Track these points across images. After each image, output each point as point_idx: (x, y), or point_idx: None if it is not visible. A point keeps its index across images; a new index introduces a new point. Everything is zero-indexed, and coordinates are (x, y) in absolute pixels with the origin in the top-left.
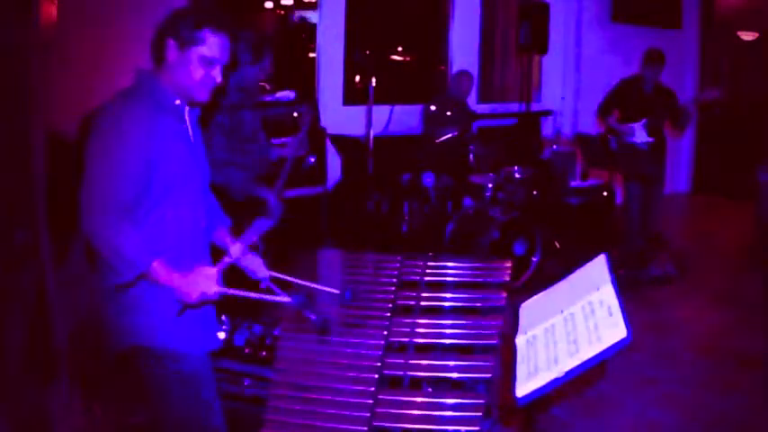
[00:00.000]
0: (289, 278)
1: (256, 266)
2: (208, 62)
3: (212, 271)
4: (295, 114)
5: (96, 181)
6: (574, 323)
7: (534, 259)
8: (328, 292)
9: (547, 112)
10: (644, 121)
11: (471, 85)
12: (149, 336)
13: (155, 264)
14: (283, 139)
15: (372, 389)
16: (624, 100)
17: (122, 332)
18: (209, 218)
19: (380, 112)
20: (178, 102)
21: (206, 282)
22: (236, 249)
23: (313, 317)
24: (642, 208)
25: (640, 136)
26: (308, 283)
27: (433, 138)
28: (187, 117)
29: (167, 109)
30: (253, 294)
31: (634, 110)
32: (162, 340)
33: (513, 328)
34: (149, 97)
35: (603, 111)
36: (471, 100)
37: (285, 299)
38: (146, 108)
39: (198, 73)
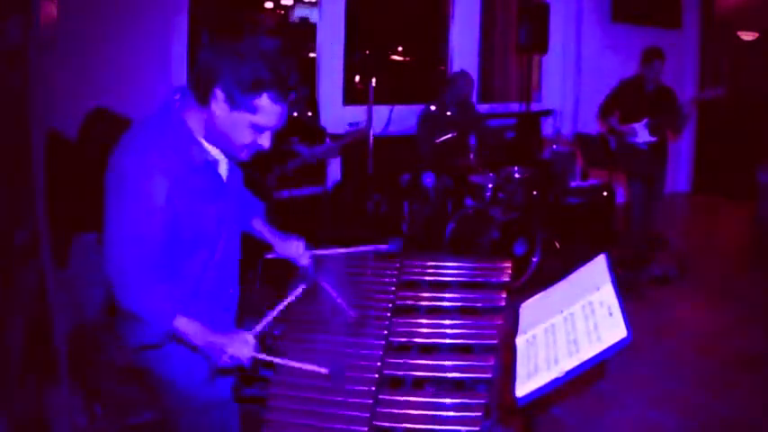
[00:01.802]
0: (329, 252)
1: (297, 253)
2: (259, 129)
3: (249, 336)
4: (348, 126)
5: (118, 244)
6: (574, 323)
7: (534, 259)
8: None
9: (547, 112)
10: (645, 120)
11: (471, 86)
12: (161, 367)
13: (180, 321)
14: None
15: (372, 389)
16: (625, 100)
17: (137, 357)
18: (243, 212)
19: (380, 112)
20: (211, 159)
21: (241, 346)
22: (262, 325)
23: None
24: (644, 208)
25: (642, 136)
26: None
27: (429, 140)
28: (224, 164)
29: (197, 167)
30: (291, 363)
31: (635, 110)
32: (173, 375)
33: (513, 328)
34: (177, 149)
35: (604, 111)
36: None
37: (322, 370)
38: (171, 164)
39: (245, 138)
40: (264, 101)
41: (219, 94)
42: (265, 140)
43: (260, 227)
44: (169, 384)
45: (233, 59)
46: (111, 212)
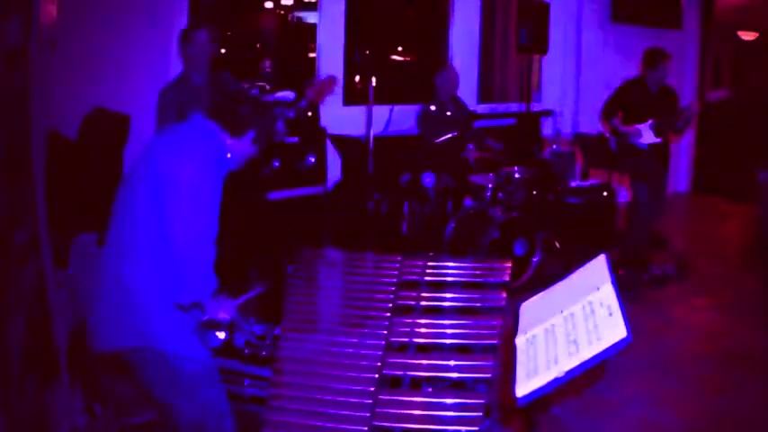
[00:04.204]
0: None
1: None
2: None
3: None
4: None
5: (200, 216)
6: (574, 323)
7: (534, 259)
8: None
9: (547, 112)
10: (650, 121)
11: (456, 77)
12: (153, 337)
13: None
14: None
15: (372, 389)
16: (629, 101)
17: (127, 333)
18: None
19: (380, 112)
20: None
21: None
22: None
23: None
24: (650, 208)
25: (648, 137)
26: None
27: (431, 139)
28: None
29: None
30: None
31: (639, 111)
32: (166, 341)
33: (513, 328)
34: (219, 143)
35: (607, 113)
36: (471, 100)
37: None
38: (219, 158)
39: None
40: None
41: None
42: None
43: None
44: (153, 337)
45: None
46: (196, 196)
